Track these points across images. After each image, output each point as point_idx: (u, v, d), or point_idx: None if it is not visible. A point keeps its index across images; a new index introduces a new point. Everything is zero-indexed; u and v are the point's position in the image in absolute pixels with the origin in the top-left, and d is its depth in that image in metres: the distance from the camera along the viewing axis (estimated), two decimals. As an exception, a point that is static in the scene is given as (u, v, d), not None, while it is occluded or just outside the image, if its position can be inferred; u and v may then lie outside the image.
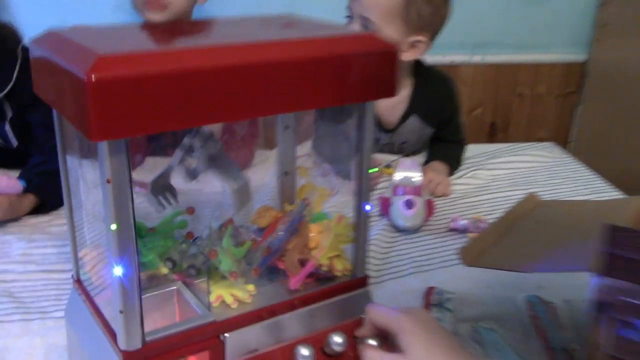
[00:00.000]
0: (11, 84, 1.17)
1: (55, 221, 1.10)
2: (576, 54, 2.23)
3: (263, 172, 0.94)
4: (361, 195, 0.65)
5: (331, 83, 0.57)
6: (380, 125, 1.43)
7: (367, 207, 0.66)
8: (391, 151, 1.46)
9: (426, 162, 1.38)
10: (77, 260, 0.67)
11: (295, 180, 0.74)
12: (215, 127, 1.14)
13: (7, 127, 1.22)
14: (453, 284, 0.95)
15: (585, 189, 1.31)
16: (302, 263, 0.67)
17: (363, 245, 0.67)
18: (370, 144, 0.63)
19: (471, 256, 0.75)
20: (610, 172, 1.48)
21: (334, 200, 0.74)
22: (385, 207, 1.16)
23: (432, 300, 0.90)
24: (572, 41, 2.23)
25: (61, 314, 0.83)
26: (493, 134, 2.34)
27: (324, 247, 0.66)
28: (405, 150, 1.46)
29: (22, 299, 0.88)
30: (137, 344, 0.57)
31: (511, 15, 2.18)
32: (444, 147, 1.44)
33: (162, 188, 0.67)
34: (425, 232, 1.12)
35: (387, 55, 0.59)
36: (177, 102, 0.50)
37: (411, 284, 0.96)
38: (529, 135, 2.32)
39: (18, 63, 1.18)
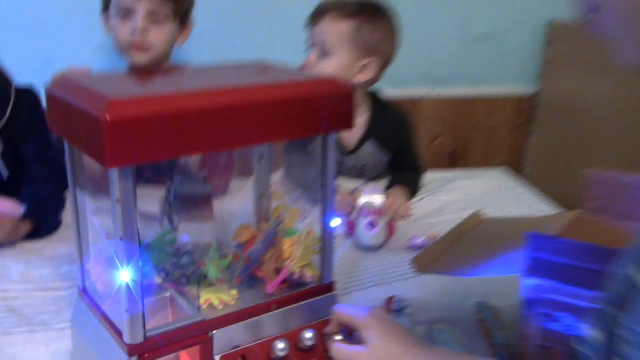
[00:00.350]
0: (4, 120, 1.27)
1: (50, 245, 1.19)
2: (527, 88, 2.41)
3: (241, 197, 1.06)
4: (326, 213, 0.77)
5: (299, 119, 0.69)
6: (341, 149, 1.56)
7: (336, 222, 0.78)
8: (355, 174, 1.58)
9: (388, 188, 1.51)
10: (83, 272, 0.78)
11: (269, 202, 0.86)
12: (195, 161, 1.26)
13: None
14: (411, 294, 1.07)
15: (532, 210, 1.45)
16: (277, 271, 0.78)
17: (329, 256, 0.79)
18: (333, 168, 0.75)
19: (422, 265, 0.88)
20: (560, 195, 1.63)
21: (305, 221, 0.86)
22: (350, 228, 1.29)
23: (392, 307, 1.02)
24: (523, 76, 2.41)
25: (62, 325, 0.93)
26: (454, 162, 2.49)
27: (295, 257, 0.78)
28: (367, 174, 1.59)
29: (25, 313, 0.97)
30: (140, 339, 0.67)
31: (467, 52, 2.35)
32: (403, 174, 1.57)
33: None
34: (387, 250, 1.25)
35: (344, 95, 0.72)
36: (174, 135, 0.62)
37: (374, 294, 1.08)
38: (487, 162, 2.47)
39: (11, 102, 1.28)
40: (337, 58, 1.43)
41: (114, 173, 0.62)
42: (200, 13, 1.58)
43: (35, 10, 1.84)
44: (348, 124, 0.73)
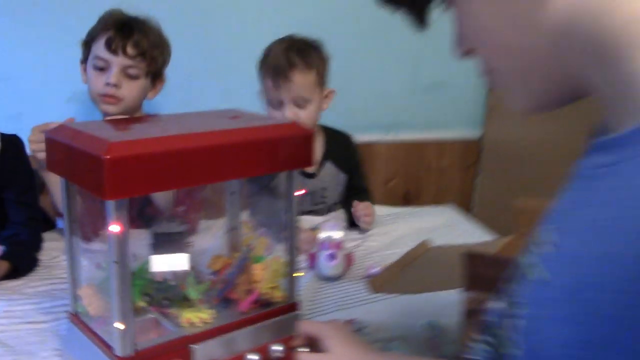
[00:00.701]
0: None
1: (29, 283, 1.27)
2: (473, 132, 2.60)
3: (214, 232, 1.17)
4: (290, 240, 0.89)
5: (265, 158, 0.82)
6: (304, 172, 1.67)
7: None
8: (316, 200, 1.72)
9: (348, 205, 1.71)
10: (74, 297, 0.87)
11: (240, 234, 0.97)
12: (166, 201, 1.35)
13: None
14: (368, 316, 1.18)
15: (477, 241, 1.59)
16: (249, 293, 0.89)
17: (293, 279, 0.91)
18: (295, 200, 0.87)
19: (376, 286, 1.00)
20: (504, 230, 1.77)
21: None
22: (312, 261, 1.40)
23: (352, 328, 1.13)
24: (469, 121, 2.59)
25: (47, 353, 1.00)
26: (407, 203, 2.63)
27: (264, 280, 0.89)
28: (327, 198, 1.73)
29: (12, 344, 1.04)
30: (130, 352, 0.77)
31: (417, 99, 2.53)
32: (359, 197, 1.74)
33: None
34: (346, 279, 1.36)
35: (304, 137, 0.85)
36: (163, 172, 0.73)
37: (336, 317, 1.18)
38: (439, 201, 2.62)
39: None
40: (314, 103, 1.59)
41: (111, 205, 0.72)
42: (168, 68, 1.70)
43: (6, 63, 1.92)
44: (308, 162, 0.85)
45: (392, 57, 2.48)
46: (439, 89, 2.56)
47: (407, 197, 2.63)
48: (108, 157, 0.69)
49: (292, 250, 0.89)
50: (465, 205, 2.66)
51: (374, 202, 1.76)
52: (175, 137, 0.76)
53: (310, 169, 1.72)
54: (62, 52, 1.68)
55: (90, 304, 0.84)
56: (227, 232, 0.98)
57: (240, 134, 0.80)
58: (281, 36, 1.68)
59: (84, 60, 1.58)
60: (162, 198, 1.34)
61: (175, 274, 0.91)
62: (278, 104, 1.59)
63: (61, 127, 0.80)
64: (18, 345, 1.04)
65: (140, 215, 1.32)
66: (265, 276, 0.89)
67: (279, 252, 0.93)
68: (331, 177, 1.75)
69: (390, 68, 2.44)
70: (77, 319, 0.86)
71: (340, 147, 1.78)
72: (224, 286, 0.88)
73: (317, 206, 1.74)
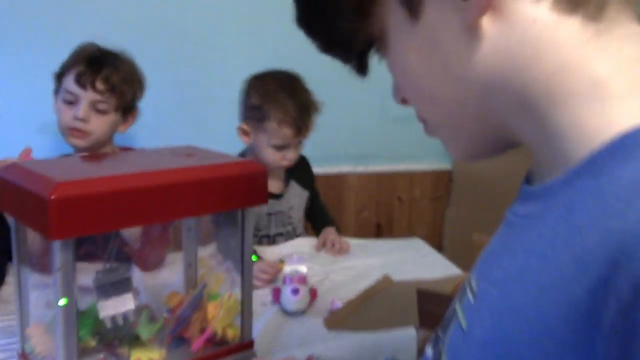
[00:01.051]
0: None
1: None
2: (444, 163, 2.62)
3: (171, 267, 1.16)
4: (244, 278, 0.88)
5: (217, 197, 0.81)
6: (271, 194, 1.74)
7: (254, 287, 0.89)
8: (283, 222, 1.78)
9: (315, 227, 1.82)
10: (23, 337, 0.85)
11: (197, 270, 0.97)
12: (134, 235, 1.34)
13: None
14: (329, 353, 1.17)
15: (443, 274, 1.59)
16: (202, 331, 0.88)
17: (248, 317, 0.90)
18: (250, 237, 0.87)
19: (332, 323, 0.99)
20: (472, 266, 1.79)
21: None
22: (276, 295, 1.39)
23: (310, 365, 1.12)
24: (439, 152, 2.62)
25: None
26: (379, 234, 2.64)
27: (217, 318, 0.88)
28: (293, 220, 1.79)
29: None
30: (75, 395, 0.75)
31: (387, 131, 2.55)
32: (321, 213, 1.87)
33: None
34: (309, 314, 1.35)
35: (259, 174, 0.85)
36: (109, 212, 0.73)
37: (295, 354, 1.17)
38: (411, 232, 2.63)
39: None
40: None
41: (57, 245, 0.72)
42: (143, 101, 1.70)
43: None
44: (263, 199, 0.86)
45: (361, 89, 2.49)
46: (409, 120, 2.56)
47: (379, 229, 2.64)
48: (53, 197, 0.69)
49: (247, 288, 0.89)
50: (436, 236, 2.67)
51: (336, 224, 1.86)
52: (122, 177, 0.75)
53: (276, 190, 1.79)
54: (35, 83, 1.68)
55: (38, 343, 0.83)
56: (185, 268, 0.97)
57: (191, 173, 0.80)
58: (257, 70, 1.74)
59: (56, 92, 1.58)
60: (129, 231, 1.33)
61: (127, 312, 0.90)
62: (281, 147, 1.69)
63: (11, 166, 0.80)
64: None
65: (104, 248, 1.32)
66: (219, 314, 0.89)
67: (237, 289, 0.92)
68: (296, 196, 1.83)
69: (360, 100, 2.47)
70: (25, 359, 0.85)
71: (300, 165, 1.85)
72: (176, 324, 0.87)
73: (284, 227, 1.80)
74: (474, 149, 0.56)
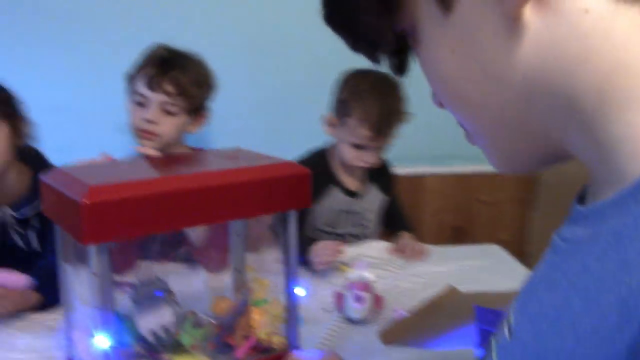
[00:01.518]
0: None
1: (57, 317, 1.27)
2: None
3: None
4: (290, 284, 0.84)
5: (260, 198, 0.78)
6: (349, 192, 1.75)
7: (301, 293, 0.86)
8: (356, 221, 1.76)
9: (391, 229, 1.79)
10: (70, 342, 0.86)
11: (244, 275, 0.94)
12: (199, 236, 1.34)
13: (32, 235, 1.42)
14: (389, 365, 1.11)
15: (518, 285, 1.49)
16: (246, 338, 0.85)
17: (293, 324, 0.86)
18: (294, 243, 0.83)
19: (387, 338, 0.93)
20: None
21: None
22: (339, 301, 1.35)
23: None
24: (524, 153, 2.49)
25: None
26: (458, 237, 2.54)
27: (262, 325, 0.85)
28: (366, 223, 1.76)
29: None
30: (115, 402, 0.74)
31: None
32: (399, 216, 1.83)
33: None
34: (373, 323, 1.29)
35: (302, 177, 0.81)
36: (145, 216, 0.71)
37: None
38: (491, 237, 2.50)
39: None
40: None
41: (92, 249, 0.71)
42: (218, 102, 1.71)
43: (60, 94, 1.99)
44: (305, 202, 0.81)
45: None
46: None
47: (457, 233, 2.53)
48: (86, 201, 0.68)
49: (292, 294, 0.85)
50: (520, 243, 2.54)
51: (414, 230, 1.79)
52: (158, 180, 0.74)
53: (355, 188, 1.77)
54: (112, 85, 1.73)
55: (85, 349, 0.83)
56: (232, 273, 0.95)
57: (231, 175, 0.77)
58: (333, 71, 1.72)
59: (128, 93, 1.61)
60: (195, 233, 1.34)
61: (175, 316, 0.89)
62: (359, 147, 1.67)
63: (55, 171, 0.80)
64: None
65: (174, 249, 1.32)
66: (264, 321, 0.85)
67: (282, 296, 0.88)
68: (374, 199, 1.80)
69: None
70: (72, 363, 0.85)
71: (382, 168, 1.82)
72: (220, 331, 0.85)
73: (357, 228, 1.77)
74: (517, 161, 0.50)
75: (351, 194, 1.76)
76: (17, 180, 1.42)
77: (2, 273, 1.24)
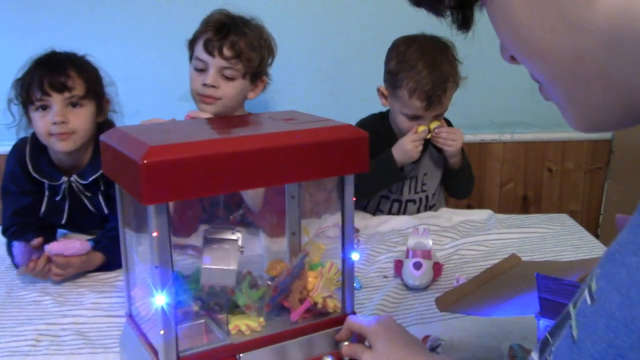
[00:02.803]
0: None
1: (120, 277, 1.32)
2: (602, 132, 2.37)
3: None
4: (346, 249, 0.83)
5: (317, 161, 0.77)
6: None
7: (354, 257, 0.85)
8: (416, 187, 1.75)
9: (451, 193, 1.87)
10: (129, 300, 0.88)
11: (300, 239, 0.94)
12: (256, 200, 1.35)
13: (100, 198, 1.48)
14: (448, 333, 1.10)
15: (585, 256, 1.43)
16: (302, 301, 0.85)
17: (349, 288, 0.85)
18: (351, 207, 0.82)
19: (444, 304, 0.91)
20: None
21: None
22: (398, 268, 1.33)
23: (426, 345, 1.05)
24: (597, 120, 2.37)
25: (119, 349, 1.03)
26: (526, 207, 2.46)
27: (318, 289, 0.84)
28: (427, 185, 1.75)
29: (90, 337, 1.09)
30: (172, 358, 0.76)
31: (536, 96, 2.33)
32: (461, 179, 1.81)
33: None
34: (431, 290, 1.28)
35: (360, 140, 0.79)
36: (203, 177, 0.71)
37: (413, 332, 1.10)
38: (562, 208, 2.43)
39: None
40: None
41: (151, 209, 0.71)
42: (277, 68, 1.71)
43: (125, 64, 2.04)
44: (364, 166, 0.80)
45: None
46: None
47: (526, 202, 2.46)
48: (145, 161, 0.68)
49: (348, 259, 0.84)
50: (592, 213, 2.44)
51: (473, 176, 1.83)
52: (216, 141, 0.73)
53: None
54: (174, 54, 1.75)
55: (143, 306, 0.85)
56: (288, 237, 0.94)
57: (286, 137, 0.76)
58: (393, 36, 1.69)
59: (190, 60, 1.63)
60: (251, 197, 1.35)
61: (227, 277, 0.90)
62: (413, 117, 1.65)
63: (114, 130, 0.81)
64: (96, 338, 1.09)
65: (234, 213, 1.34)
66: (319, 284, 0.85)
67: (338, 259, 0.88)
68: (433, 163, 1.77)
69: (506, 63, 2.28)
70: (132, 320, 0.87)
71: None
72: (276, 293, 0.85)
73: (417, 194, 1.75)
74: (596, 117, 0.46)
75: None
76: (86, 150, 1.47)
77: (62, 242, 1.29)
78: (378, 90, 1.73)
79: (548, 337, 0.47)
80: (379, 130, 1.74)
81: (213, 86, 1.53)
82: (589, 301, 0.40)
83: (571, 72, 0.44)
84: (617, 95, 0.43)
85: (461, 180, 1.79)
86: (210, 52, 1.52)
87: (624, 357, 0.35)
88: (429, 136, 1.64)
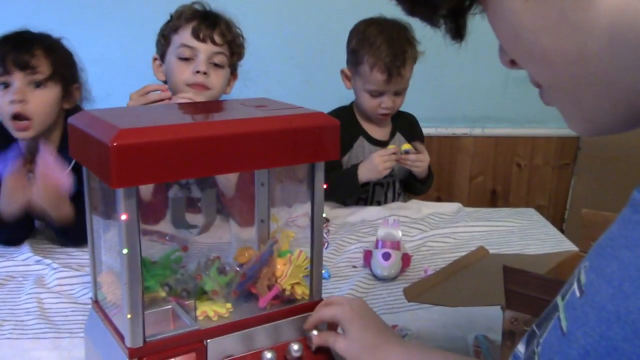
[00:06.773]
0: None
1: (84, 259, 1.30)
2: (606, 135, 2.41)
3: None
4: (314, 235, 0.84)
5: (286, 148, 0.77)
6: (376, 141, 1.78)
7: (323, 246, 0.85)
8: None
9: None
10: (95, 285, 0.87)
11: (269, 226, 0.94)
12: (229, 185, 1.35)
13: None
14: (415, 324, 1.11)
15: (551, 250, 1.46)
16: (270, 288, 0.85)
17: (317, 275, 0.86)
18: (321, 194, 0.82)
19: (412, 294, 0.93)
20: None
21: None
22: (367, 258, 1.34)
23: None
24: (566, 117, 2.41)
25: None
26: (494, 201, 2.50)
27: (286, 275, 0.85)
28: (394, 170, 1.75)
29: (55, 321, 1.08)
30: (139, 343, 0.75)
31: (508, 93, 2.38)
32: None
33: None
34: (400, 280, 1.29)
35: (331, 128, 0.80)
36: (172, 161, 0.71)
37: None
38: (529, 202, 2.47)
39: None
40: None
41: (120, 193, 0.71)
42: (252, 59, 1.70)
43: (96, 48, 2.01)
44: (334, 154, 0.80)
45: (484, 47, 2.33)
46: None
47: (495, 196, 2.49)
48: (115, 144, 0.67)
49: (317, 245, 0.85)
50: (558, 209, 2.48)
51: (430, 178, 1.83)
52: (188, 126, 0.73)
53: (380, 137, 1.79)
54: (143, 41, 1.73)
55: (109, 291, 0.84)
56: (257, 224, 0.94)
57: (257, 123, 0.76)
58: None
59: (161, 56, 1.58)
60: (223, 181, 1.34)
61: (200, 264, 0.89)
62: (376, 94, 1.69)
63: (82, 114, 0.80)
64: (61, 323, 1.07)
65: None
66: (287, 271, 0.85)
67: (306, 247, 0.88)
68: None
69: (481, 59, 2.31)
70: (97, 305, 0.87)
71: (407, 123, 1.87)
72: (244, 279, 0.85)
73: (385, 178, 1.77)
74: (599, 121, 0.46)
75: (378, 143, 1.78)
76: (53, 139, 1.44)
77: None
78: (342, 72, 1.76)
79: (535, 329, 0.47)
80: (345, 120, 1.76)
81: (205, 73, 1.50)
82: (577, 294, 0.40)
83: (574, 74, 0.44)
84: (621, 96, 0.43)
85: (421, 187, 1.84)
86: (201, 39, 1.49)
87: (617, 348, 0.35)
88: (397, 158, 1.66)
